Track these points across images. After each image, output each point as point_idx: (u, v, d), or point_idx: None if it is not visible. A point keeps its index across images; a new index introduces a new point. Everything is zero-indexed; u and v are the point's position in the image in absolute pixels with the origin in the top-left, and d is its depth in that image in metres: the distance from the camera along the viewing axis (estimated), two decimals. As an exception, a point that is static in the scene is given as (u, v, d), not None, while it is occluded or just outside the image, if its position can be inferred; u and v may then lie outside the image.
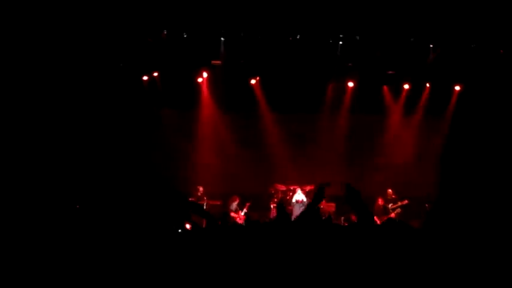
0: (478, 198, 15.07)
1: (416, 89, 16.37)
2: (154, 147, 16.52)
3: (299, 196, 15.86)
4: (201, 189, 15.59)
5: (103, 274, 4.84)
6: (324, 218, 9.13)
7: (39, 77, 14.35)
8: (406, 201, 15.51)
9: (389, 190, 15.76)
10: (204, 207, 15.42)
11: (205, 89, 16.50)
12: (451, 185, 16.12)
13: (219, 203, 15.69)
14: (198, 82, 16.42)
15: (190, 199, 15.38)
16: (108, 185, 14.60)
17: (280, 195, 16.12)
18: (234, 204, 15.26)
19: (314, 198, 5.74)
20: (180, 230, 6.05)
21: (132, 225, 5.83)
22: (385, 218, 15.16)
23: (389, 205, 15.58)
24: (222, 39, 15.53)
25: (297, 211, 15.54)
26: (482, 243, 5.07)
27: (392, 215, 15.22)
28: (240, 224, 14.27)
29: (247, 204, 15.28)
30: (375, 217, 15.30)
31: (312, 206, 5.63)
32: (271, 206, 16.03)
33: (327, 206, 15.20)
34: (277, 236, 5.06)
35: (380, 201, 15.54)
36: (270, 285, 4.57)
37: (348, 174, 16.69)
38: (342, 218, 15.12)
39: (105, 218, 6.31)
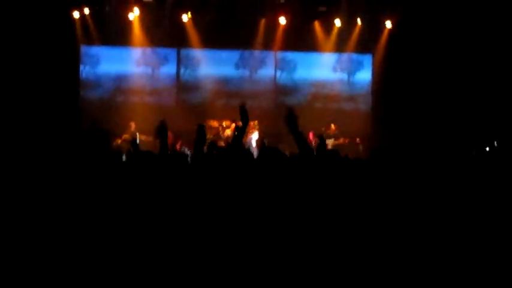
0: (411, 138, 15.42)
1: (348, 25, 16.41)
2: (85, 84, 16.39)
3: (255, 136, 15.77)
4: (133, 125, 15.60)
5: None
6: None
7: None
8: (343, 141, 15.60)
9: (333, 125, 15.90)
10: (137, 142, 15.38)
11: (136, 26, 16.28)
12: (384, 123, 16.41)
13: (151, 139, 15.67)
14: (129, 19, 16.17)
15: (124, 135, 15.45)
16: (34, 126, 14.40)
17: (213, 132, 16.13)
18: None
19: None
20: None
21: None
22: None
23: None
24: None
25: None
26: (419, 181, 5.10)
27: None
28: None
29: (179, 141, 15.22)
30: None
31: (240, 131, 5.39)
32: (204, 142, 16.05)
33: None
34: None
35: (311, 136, 15.67)
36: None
37: (282, 110, 16.86)
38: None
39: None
